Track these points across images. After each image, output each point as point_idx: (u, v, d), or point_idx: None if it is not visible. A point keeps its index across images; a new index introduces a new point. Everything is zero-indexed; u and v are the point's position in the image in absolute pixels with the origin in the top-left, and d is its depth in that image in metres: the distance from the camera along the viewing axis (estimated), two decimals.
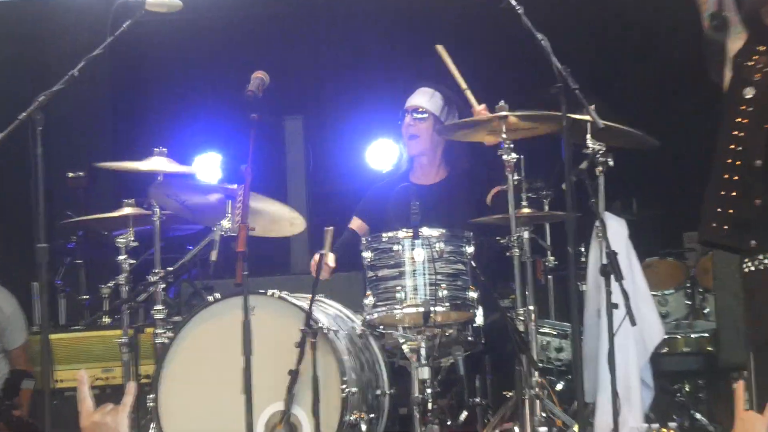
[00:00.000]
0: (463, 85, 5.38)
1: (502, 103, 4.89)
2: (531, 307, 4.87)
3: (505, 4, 4.34)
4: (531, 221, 5.03)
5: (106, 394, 6.03)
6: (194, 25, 7.92)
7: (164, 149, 5.31)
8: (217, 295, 4.92)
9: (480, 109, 5.30)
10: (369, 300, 4.74)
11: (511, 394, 4.92)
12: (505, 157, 4.83)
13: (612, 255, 4.34)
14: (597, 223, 4.62)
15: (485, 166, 5.28)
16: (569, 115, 4.29)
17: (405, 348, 4.76)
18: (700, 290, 6.84)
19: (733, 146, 4.28)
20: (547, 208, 6.03)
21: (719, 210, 4.29)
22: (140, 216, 5.40)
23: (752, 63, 4.29)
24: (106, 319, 6.13)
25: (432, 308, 4.63)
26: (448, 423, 5.03)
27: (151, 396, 4.86)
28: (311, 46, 8.43)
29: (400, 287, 4.67)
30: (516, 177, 4.87)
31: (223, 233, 4.94)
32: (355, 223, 5.60)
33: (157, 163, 5.28)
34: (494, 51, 7.86)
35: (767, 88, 4.25)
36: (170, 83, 8.53)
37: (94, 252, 6.94)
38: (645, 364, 5.08)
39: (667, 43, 7.69)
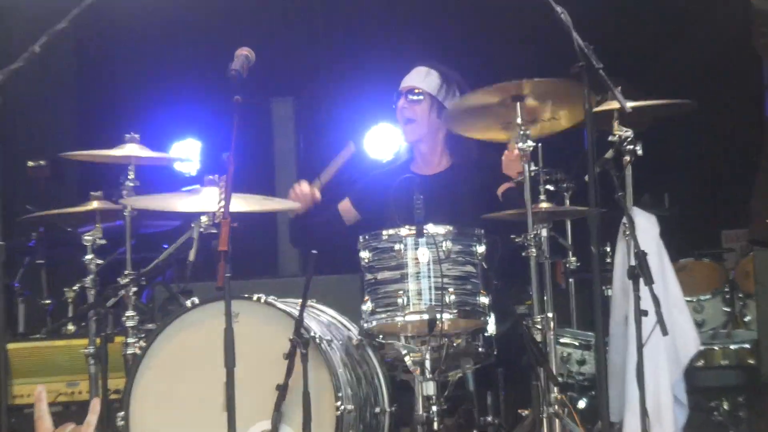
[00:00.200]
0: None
1: (520, 81, 4.87)
2: (550, 315, 4.87)
3: None
4: (550, 217, 5.04)
5: (71, 412, 6.03)
6: None
7: (136, 135, 5.31)
8: (196, 300, 4.92)
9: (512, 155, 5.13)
10: (367, 306, 4.74)
11: (527, 412, 4.92)
12: (520, 145, 4.82)
13: (641, 256, 4.34)
14: (624, 220, 4.63)
15: (497, 153, 5.27)
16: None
17: (407, 360, 4.77)
18: (740, 295, 6.85)
19: None
20: (568, 202, 6.04)
21: None
22: (109, 211, 5.40)
23: None
24: (71, 327, 6.13)
25: (438, 315, 4.63)
26: None
27: (121, 414, 4.86)
28: (302, 19, 8.43)
29: (401, 291, 4.68)
30: (533, 167, 4.87)
31: (202, 230, 4.94)
32: (344, 206, 5.56)
33: (129, 150, 5.28)
34: (507, 27, 7.87)
35: None
36: (143, 61, 8.53)
37: (57, 251, 6.94)
38: (678, 378, 5.09)
39: (708, 17, 7.69)
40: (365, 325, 4.76)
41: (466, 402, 5.25)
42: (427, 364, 4.72)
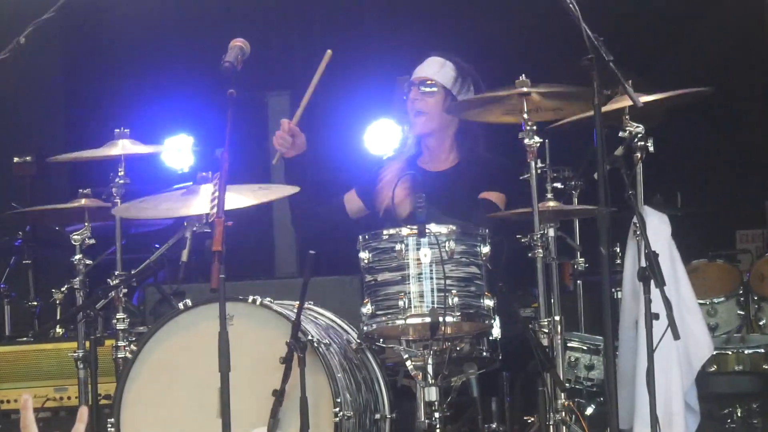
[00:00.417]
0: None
1: (523, 77, 4.89)
2: (557, 318, 4.88)
3: None
4: (557, 217, 5.04)
5: (59, 418, 6.04)
6: None
7: (126, 130, 5.32)
8: (189, 302, 4.93)
9: None
10: (367, 308, 4.75)
11: (533, 419, 4.93)
12: (526, 141, 4.83)
13: (652, 257, 4.35)
14: (635, 220, 4.63)
15: (505, 152, 5.27)
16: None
17: (409, 365, 4.77)
18: (755, 298, 6.85)
19: None
20: (576, 201, 6.04)
21: None
22: (98, 209, 5.41)
23: None
24: (59, 330, 6.14)
25: (441, 318, 4.64)
26: None
27: (112, 420, 4.87)
28: (299, 10, 8.43)
29: (403, 293, 4.68)
30: (540, 165, 4.88)
31: (195, 229, 4.94)
32: (350, 198, 5.56)
33: (119, 147, 5.29)
34: (514, 17, 7.87)
35: None
36: (133, 54, 8.53)
37: (44, 251, 6.95)
38: (690, 384, 5.10)
39: (721, 9, 7.70)
40: (365, 328, 4.77)
41: (470, 408, 5.25)
42: (430, 368, 4.73)
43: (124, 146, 5.30)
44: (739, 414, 6.34)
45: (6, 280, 6.92)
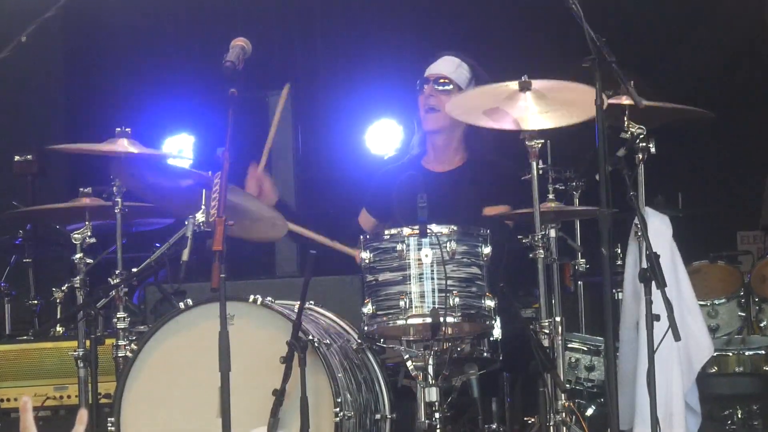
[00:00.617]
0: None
1: (524, 78, 4.88)
2: (558, 318, 4.88)
3: None
4: (558, 217, 5.04)
5: (59, 416, 6.04)
6: None
7: (128, 129, 5.32)
8: (190, 302, 4.93)
9: None
10: (368, 308, 4.75)
11: (533, 420, 4.93)
12: (528, 142, 4.83)
13: (653, 258, 4.35)
14: (636, 221, 4.63)
15: (512, 154, 5.27)
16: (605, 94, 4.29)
17: (409, 365, 4.77)
18: (756, 300, 6.85)
19: None
20: (577, 202, 6.04)
21: None
22: (99, 208, 5.41)
23: None
24: (59, 329, 6.13)
25: (441, 319, 4.64)
26: None
27: (112, 419, 4.87)
28: (301, 9, 8.44)
29: (404, 294, 4.68)
30: (541, 165, 4.88)
31: (196, 229, 4.94)
32: (363, 219, 5.59)
33: (119, 145, 5.28)
34: (516, 17, 7.88)
35: None
36: (134, 53, 8.54)
37: (45, 249, 6.96)
38: (690, 385, 5.10)
39: (724, 12, 7.70)
40: (366, 328, 4.77)
41: (471, 409, 5.25)
42: (430, 369, 4.72)
43: (123, 145, 5.29)
44: (739, 415, 6.33)
45: (6, 278, 6.92)
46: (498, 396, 5.27)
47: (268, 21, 8.17)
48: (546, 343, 4.83)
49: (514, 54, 7.59)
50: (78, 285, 5.31)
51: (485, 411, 5.22)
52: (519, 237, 4.88)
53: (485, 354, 4.84)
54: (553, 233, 4.95)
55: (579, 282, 6.50)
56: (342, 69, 8.44)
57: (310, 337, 4.76)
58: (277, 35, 8.06)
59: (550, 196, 4.98)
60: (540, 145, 4.85)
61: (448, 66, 5.46)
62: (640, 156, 4.78)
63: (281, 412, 4.64)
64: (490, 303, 4.75)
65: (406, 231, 4.72)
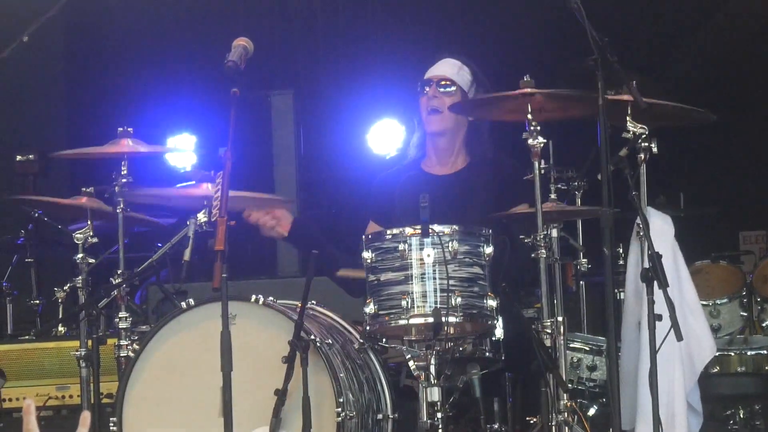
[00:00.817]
0: None
1: (526, 78, 4.89)
2: (560, 318, 4.88)
3: None
4: (560, 217, 5.04)
5: (61, 416, 6.04)
6: None
7: (130, 129, 5.32)
8: (192, 301, 4.93)
9: None
10: (369, 308, 4.75)
11: (535, 419, 4.93)
12: (530, 141, 4.83)
13: (655, 258, 4.35)
14: (638, 221, 4.63)
15: (514, 157, 5.27)
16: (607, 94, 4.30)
17: (411, 365, 4.77)
18: (758, 300, 6.85)
19: None
20: (579, 202, 6.04)
21: None
22: (101, 208, 5.41)
23: None
24: (61, 328, 6.13)
25: (443, 318, 4.64)
26: None
27: (114, 419, 4.87)
28: (303, 9, 8.44)
29: (406, 293, 4.68)
30: (543, 165, 4.87)
31: (198, 228, 4.94)
32: (372, 229, 5.57)
33: (122, 146, 5.29)
34: (518, 17, 7.87)
35: None
36: (136, 52, 8.54)
37: (46, 249, 6.96)
38: (693, 386, 5.09)
39: (728, 9, 7.69)
40: (367, 328, 4.77)
41: (473, 409, 5.25)
42: (432, 369, 4.72)
43: (126, 145, 5.29)
44: (741, 415, 6.33)
45: (8, 278, 6.93)
46: (500, 396, 5.26)
47: (271, 21, 8.18)
48: (548, 342, 4.83)
49: (514, 54, 7.60)
50: (80, 285, 5.31)
51: (487, 411, 5.22)
52: (521, 237, 4.87)
53: (487, 354, 4.84)
54: (555, 233, 4.95)
55: (581, 282, 6.50)
56: (344, 69, 8.44)
57: (312, 337, 4.76)
58: (279, 35, 8.07)
59: (552, 196, 4.98)
60: (542, 145, 4.85)
61: (450, 68, 5.47)
62: (642, 156, 4.77)
63: (283, 412, 4.64)
64: (492, 303, 4.75)
65: (408, 231, 4.72)
